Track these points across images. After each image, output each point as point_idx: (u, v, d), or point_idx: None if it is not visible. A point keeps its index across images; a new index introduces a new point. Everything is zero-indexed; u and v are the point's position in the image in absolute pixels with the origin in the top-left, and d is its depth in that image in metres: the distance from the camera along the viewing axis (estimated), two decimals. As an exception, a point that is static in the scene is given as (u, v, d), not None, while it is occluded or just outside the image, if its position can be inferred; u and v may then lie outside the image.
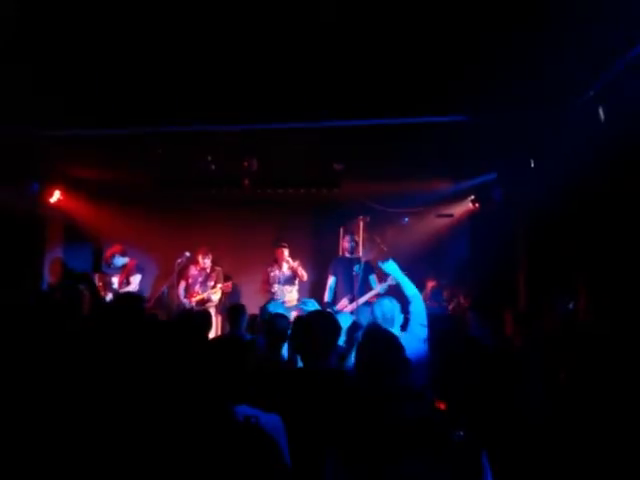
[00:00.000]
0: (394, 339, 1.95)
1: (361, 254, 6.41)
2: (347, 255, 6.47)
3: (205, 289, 6.88)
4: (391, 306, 3.44)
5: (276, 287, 6.84)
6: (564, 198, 4.80)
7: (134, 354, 2.22)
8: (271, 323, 3.61)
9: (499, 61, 3.66)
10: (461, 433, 1.50)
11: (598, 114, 3.93)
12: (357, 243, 6.46)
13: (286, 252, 6.99)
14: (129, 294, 4.63)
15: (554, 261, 5.17)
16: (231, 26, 3.42)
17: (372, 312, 3.56)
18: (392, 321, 3.37)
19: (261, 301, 6.61)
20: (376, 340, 1.92)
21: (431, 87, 4.10)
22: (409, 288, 3.69)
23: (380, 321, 3.38)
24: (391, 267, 3.96)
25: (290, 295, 6.86)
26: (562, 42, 3.43)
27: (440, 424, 1.55)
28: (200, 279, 6.92)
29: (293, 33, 3.49)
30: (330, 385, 2.32)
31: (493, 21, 3.27)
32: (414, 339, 3.27)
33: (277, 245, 7.11)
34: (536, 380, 2.57)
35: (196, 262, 6.95)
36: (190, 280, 6.95)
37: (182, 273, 6.96)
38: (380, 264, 4.09)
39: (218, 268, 7.11)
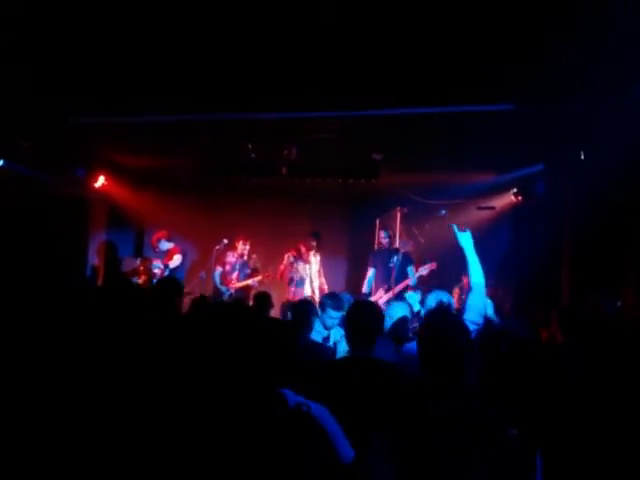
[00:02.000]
0: (460, 330, 1.81)
1: (398, 245, 6.35)
2: (384, 247, 6.42)
3: (244, 276, 6.93)
4: (448, 299, 3.31)
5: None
6: (612, 194, 4.60)
7: (187, 338, 2.25)
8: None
9: (548, 47, 3.52)
10: (515, 431, 1.48)
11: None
12: (392, 236, 6.40)
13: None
14: (171, 279, 4.73)
15: (600, 258, 4.98)
16: (275, 14, 3.40)
17: (424, 303, 3.42)
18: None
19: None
20: (440, 333, 1.79)
21: (475, 74, 3.98)
22: (475, 273, 3.18)
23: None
24: (466, 240, 3.33)
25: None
26: (615, 32, 3.27)
27: (494, 422, 1.52)
28: (238, 266, 6.98)
29: (334, 20, 3.44)
30: (374, 375, 2.33)
31: (544, 6, 3.14)
32: None
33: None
34: (578, 376, 2.50)
35: (234, 248, 7.01)
36: (227, 267, 7.01)
37: (219, 259, 7.02)
38: (456, 230, 3.40)
39: (254, 256, 7.15)
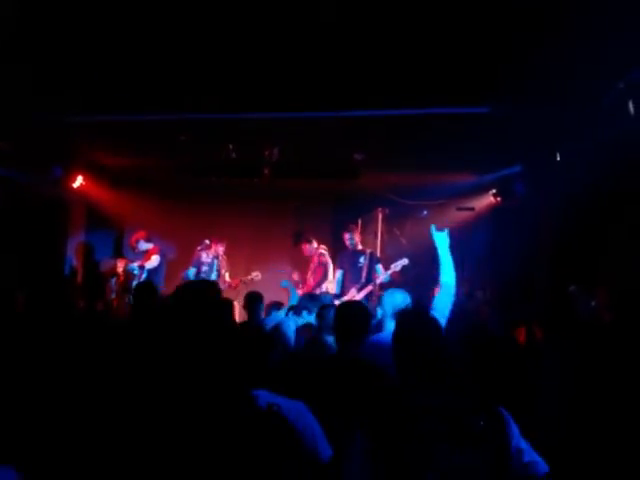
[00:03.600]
0: (436, 329, 1.88)
1: (361, 247, 6.44)
2: (351, 249, 6.47)
3: (217, 277, 6.84)
4: (403, 297, 3.28)
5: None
6: (590, 194, 4.70)
7: (155, 338, 2.24)
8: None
9: (525, 52, 3.59)
10: (481, 422, 1.59)
11: (628, 107, 3.84)
12: (357, 239, 6.46)
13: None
14: (147, 282, 4.67)
15: (577, 258, 5.08)
16: (255, 13, 3.40)
17: (382, 303, 3.36)
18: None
19: (278, 291, 6.61)
20: (414, 331, 1.86)
21: (454, 77, 4.04)
22: (447, 273, 3.22)
23: (389, 312, 3.25)
24: (441, 240, 3.38)
25: None
26: (589, 34, 3.34)
27: (464, 413, 1.61)
28: (215, 266, 6.89)
29: (315, 21, 3.46)
30: (359, 374, 2.35)
31: (520, 14, 3.20)
32: None
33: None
34: (556, 374, 2.55)
35: (209, 249, 6.94)
36: (204, 267, 6.89)
37: (194, 259, 6.91)
38: (433, 229, 3.46)
39: (225, 257, 7.08)
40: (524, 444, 1.68)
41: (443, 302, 3.13)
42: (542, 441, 1.75)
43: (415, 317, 2.10)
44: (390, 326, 3.08)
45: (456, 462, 1.53)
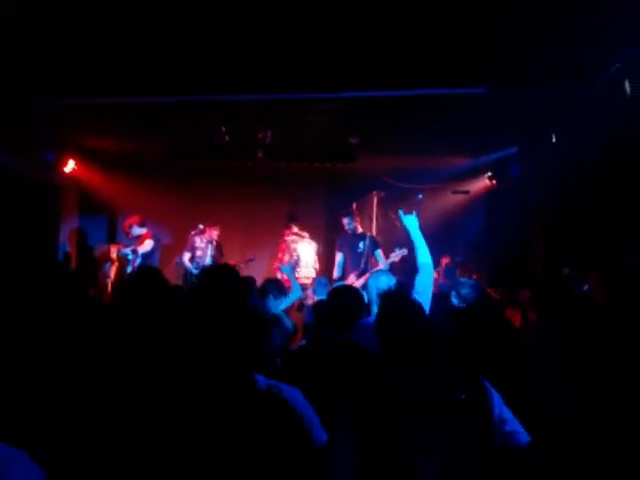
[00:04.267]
0: (418, 311, 1.90)
1: (361, 230, 6.37)
2: (351, 233, 6.41)
3: (212, 262, 6.80)
4: (387, 280, 3.27)
5: None
6: (585, 176, 4.68)
7: (155, 320, 2.21)
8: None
9: (521, 31, 3.54)
10: (462, 396, 1.63)
11: (624, 87, 3.80)
12: (356, 223, 6.35)
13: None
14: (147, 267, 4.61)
15: (571, 241, 5.08)
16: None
17: (367, 286, 3.33)
18: None
19: (273, 275, 6.60)
20: (395, 312, 1.88)
21: (450, 58, 3.98)
22: (423, 254, 3.20)
23: (373, 296, 3.22)
24: (411, 222, 3.35)
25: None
26: (588, 13, 3.29)
27: (446, 389, 1.65)
28: (209, 252, 6.85)
29: (310, 2, 3.39)
30: (351, 358, 2.34)
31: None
32: None
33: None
34: (547, 356, 2.56)
35: (202, 233, 6.88)
36: (198, 252, 6.85)
37: (188, 244, 6.89)
38: (400, 213, 3.43)
39: (218, 241, 7.03)
40: (507, 414, 1.70)
41: (424, 283, 3.10)
42: (533, 417, 1.75)
43: (396, 298, 2.11)
44: (375, 309, 3.08)
45: (441, 440, 1.54)
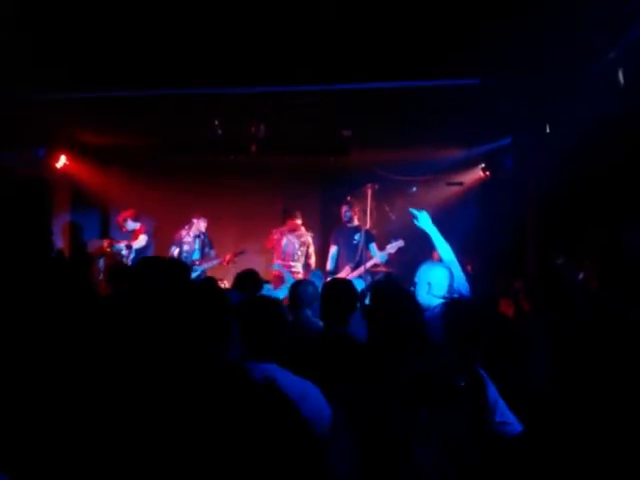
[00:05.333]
0: (409, 298, 1.93)
1: (357, 223, 6.35)
2: (347, 225, 6.39)
3: (200, 255, 6.69)
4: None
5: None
6: (579, 166, 4.69)
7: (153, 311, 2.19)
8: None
9: (514, 21, 3.52)
10: (462, 383, 1.68)
11: (618, 78, 3.80)
12: (353, 214, 6.36)
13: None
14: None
15: (565, 232, 5.10)
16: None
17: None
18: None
19: (265, 269, 6.58)
20: (389, 301, 1.90)
21: (443, 48, 3.97)
22: (444, 251, 3.17)
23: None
24: (424, 220, 3.34)
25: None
26: (581, 3, 3.28)
27: (446, 375, 1.68)
28: (197, 245, 6.72)
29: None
30: (346, 350, 2.33)
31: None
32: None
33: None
34: (542, 346, 2.57)
35: (190, 226, 6.73)
36: (186, 247, 6.69)
37: (175, 239, 6.73)
38: (412, 211, 3.42)
39: (207, 234, 6.84)
40: (501, 404, 1.74)
41: (459, 279, 3.06)
42: (528, 407, 1.77)
43: (388, 288, 2.13)
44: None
45: (438, 425, 1.58)
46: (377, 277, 5.70)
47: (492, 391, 1.75)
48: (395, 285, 2.33)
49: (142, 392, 1.59)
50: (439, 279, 2.93)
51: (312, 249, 6.88)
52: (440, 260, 3.26)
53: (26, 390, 1.73)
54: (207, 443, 1.50)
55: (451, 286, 2.96)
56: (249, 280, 4.16)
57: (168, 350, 1.64)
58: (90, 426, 1.64)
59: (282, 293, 4.48)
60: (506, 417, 1.74)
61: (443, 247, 3.21)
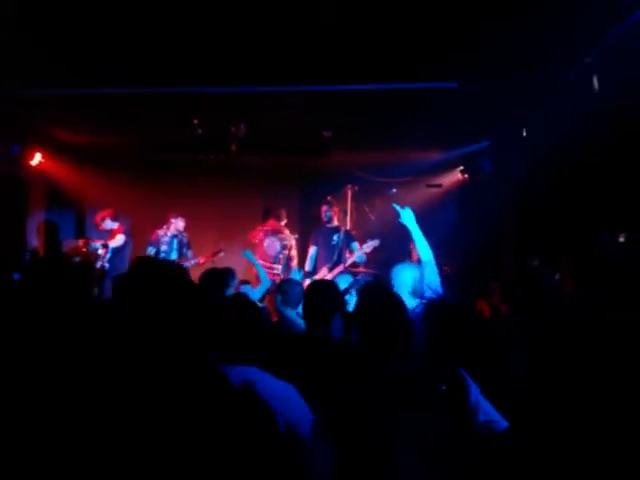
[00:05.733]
0: (394, 299, 1.93)
1: (337, 223, 6.37)
2: (327, 225, 6.40)
3: (178, 255, 6.58)
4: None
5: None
6: (555, 169, 4.77)
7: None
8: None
9: (492, 26, 3.57)
10: (443, 387, 1.68)
11: (592, 83, 3.88)
12: (333, 214, 6.34)
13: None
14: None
15: (542, 234, 5.18)
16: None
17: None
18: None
19: (246, 269, 6.53)
20: (374, 303, 1.89)
21: (421, 52, 4.01)
22: (423, 250, 3.16)
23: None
24: (408, 217, 3.32)
25: None
26: (557, 9, 3.34)
27: (428, 380, 1.68)
28: (175, 245, 6.61)
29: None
30: (328, 352, 2.34)
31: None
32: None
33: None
34: (519, 347, 2.61)
35: (168, 225, 6.62)
36: (164, 247, 6.57)
37: (152, 239, 6.60)
38: (396, 207, 3.39)
39: (186, 234, 6.72)
40: (484, 403, 1.75)
41: (432, 279, 3.07)
42: (508, 405, 1.79)
43: (375, 290, 2.13)
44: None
45: (420, 427, 1.57)
46: (357, 277, 5.71)
47: (474, 392, 1.75)
48: (383, 287, 2.32)
49: (130, 393, 1.58)
50: (404, 279, 3.03)
51: (294, 252, 6.85)
52: (418, 261, 3.28)
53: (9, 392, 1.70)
54: (183, 444, 1.49)
55: (416, 287, 3.03)
56: (213, 280, 4.11)
57: (163, 351, 1.63)
58: (78, 427, 1.61)
59: (258, 292, 4.47)
60: (490, 415, 1.75)
61: (423, 246, 3.22)
